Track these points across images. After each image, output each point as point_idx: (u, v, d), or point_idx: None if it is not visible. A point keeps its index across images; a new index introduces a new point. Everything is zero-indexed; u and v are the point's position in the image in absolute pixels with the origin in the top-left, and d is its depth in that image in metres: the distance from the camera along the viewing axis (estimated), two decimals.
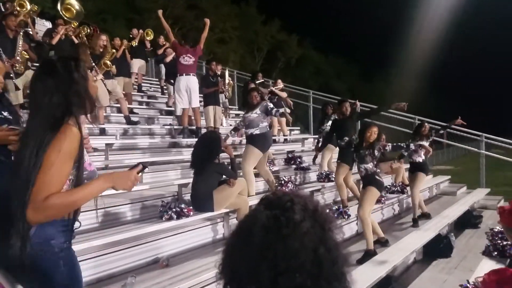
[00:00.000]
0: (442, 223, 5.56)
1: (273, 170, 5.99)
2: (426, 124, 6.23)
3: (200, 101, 8.22)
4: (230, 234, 0.94)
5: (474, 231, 6.06)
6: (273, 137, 8.66)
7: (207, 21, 6.90)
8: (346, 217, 5.08)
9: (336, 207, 5.16)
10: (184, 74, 6.59)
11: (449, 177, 9.12)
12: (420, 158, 5.92)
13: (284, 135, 8.89)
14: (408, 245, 4.63)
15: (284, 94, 8.84)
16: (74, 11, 7.20)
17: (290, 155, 7.00)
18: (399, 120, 9.65)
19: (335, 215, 4.99)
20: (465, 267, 4.61)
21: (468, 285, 3.91)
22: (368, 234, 4.65)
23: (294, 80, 14.43)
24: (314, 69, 33.12)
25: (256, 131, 5.09)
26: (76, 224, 1.73)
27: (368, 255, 4.46)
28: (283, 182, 5.32)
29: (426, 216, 6.07)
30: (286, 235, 0.83)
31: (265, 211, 0.87)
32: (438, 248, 5.27)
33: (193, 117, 7.08)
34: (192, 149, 4.44)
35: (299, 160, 6.71)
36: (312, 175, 6.40)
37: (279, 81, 8.98)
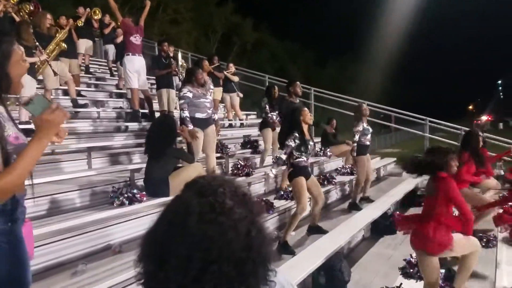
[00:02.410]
0: (388, 202, 5.89)
1: (229, 154, 6.02)
2: (364, 104, 6.26)
3: (153, 84, 7.99)
4: (158, 220, 0.89)
5: (418, 209, 6.43)
6: (230, 122, 8.70)
7: (148, 3, 6.61)
8: None
9: (291, 188, 5.28)
10: (136, 54, 6.39)
11: (395, 159, 9.61)
12: (368, 141, 6.04)
13: (239, 120, 8.88)
14: (357, 222, 4.87)
15: (235, 78, 8.79)
16: None
17: (246, 140, 7.02)
18: (351, 105, 9.96)
19: (291, 197, 5.11)
20: (409, 244, 4.91)
21: (411, 259, 4.23)
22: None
23: (250, 65, 14.42)
24: (269, 53, 33.17)
25: (211, 115, 5.09)
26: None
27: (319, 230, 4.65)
28: (239, 166, 5.34)
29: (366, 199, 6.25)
30: (221, 222, 0.82)
31: (198, 198, 0.85)
32: (384, 226, 5.60)
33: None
34: (146, 133, 4.33)
35: (255, 144, 6.75)
36: (268, 158, 6.48)
37: (231, 65, 8.92)
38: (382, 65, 45.12)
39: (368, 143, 5.95)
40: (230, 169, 5.57)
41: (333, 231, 4.54)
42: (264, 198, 4.73)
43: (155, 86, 7.48)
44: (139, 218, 3.77)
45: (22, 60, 1.67)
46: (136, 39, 6.35)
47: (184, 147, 4.59)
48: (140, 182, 4.24)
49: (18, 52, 1.64)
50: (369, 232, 5.62)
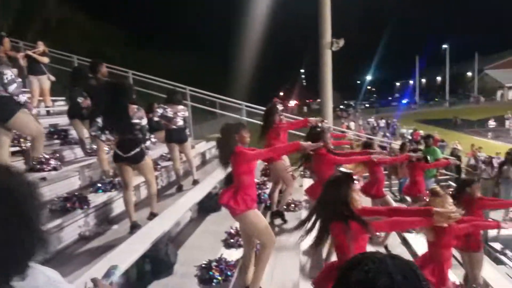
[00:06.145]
0: (212, 183, 6.14)
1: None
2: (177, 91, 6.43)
3: None
4: None
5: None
6: (35, 109, 7.47)
7: None
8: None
9: (109, 179, 4.90)
10: None
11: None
12: (175, 125, 5.94)
13: (46, 106, 7.78)
14: (183, 206, 4.90)
15: (45, 60, 7.70)
16: None
17: (52, 129, 6.14)
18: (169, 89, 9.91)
19: (109, 188, 4.75)
20: (232, 218, 5.24)
21: (231, 230, 4.52)
22: None
23: (55, 44, 12.64)
24: (80, 32, 29.80)
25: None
26: None
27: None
28: (43, 160, 4.62)
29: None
30: None
31: None
32: (210, 204, 5.83)
33: None
34: None
35: (63, 133, 5.98)
36: (79, 151, 5.84)
37: (40, 43, 7.76)
38: (203, 51, 46.79)
39: (175, 126, 5.90)
40: (33, 163, 4.78)
41: (158, 217, 4.44)
42: (77, 193, 4.22)
43: None
44: None
45: None
46: None
47: None
48: None
49: None
50: (196, 212, 5.76)
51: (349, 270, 0.82)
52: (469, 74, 64.95)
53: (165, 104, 5.99)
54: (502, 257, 6.23)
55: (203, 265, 3.76)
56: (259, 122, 9.82)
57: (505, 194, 10.03)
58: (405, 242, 6.00)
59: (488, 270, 4.91)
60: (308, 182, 6.87)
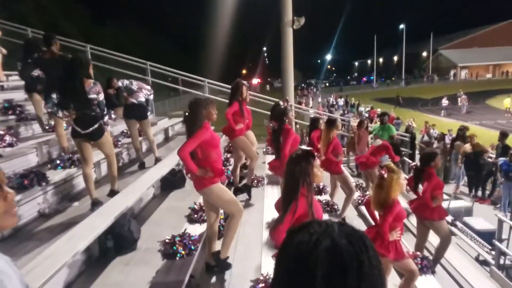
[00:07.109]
0: (176, 159, 6.12)
1: None
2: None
3: None
4: None
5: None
6: None
7: None
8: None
9: (69, 156, 4.80)
10: None
11: (182, 118, 10.01)
12: (143, 98, 5.85)
13: (0, 81, 7.35)
14: (145, 183, 4.88)
15: None
16: None
17: (7, 105, 5.84)
18: (133, 65, 9.67)
19: (69, 165, 4.65)
20: (196, 193, 5.30)
21: (195, 206, 4.60)
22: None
23: (11, 16, 11.85)
24: (35, 5, 28.01)
25: None
26: None
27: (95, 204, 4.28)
28: None
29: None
30: None
31: None
32: (173, 181, 5.85)
33: None
34: None
35: (19, 109, 5.71)
36: (36, 127, 5.63)
37: None
38: (165, 29, 45.34)
39: (135, 101, 5.77)
40: None
41: (120, 194, 4.43)
42: (34, 170, 4.11)
43: None
44: None
45: None
46: None
47: None
48: None
49: None
50: (159, 189, 5.76)
51: (295, 232, 0.83)
52: (424, 54, 67.45)
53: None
54: (453, 228, 6.69)
55: (167, 240, 3.82)
56: (222, 99, 9.87)
57: (454, 168, 10.81)
58: (361, 215, 6.35)
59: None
60: (270, 159, 7.04)
